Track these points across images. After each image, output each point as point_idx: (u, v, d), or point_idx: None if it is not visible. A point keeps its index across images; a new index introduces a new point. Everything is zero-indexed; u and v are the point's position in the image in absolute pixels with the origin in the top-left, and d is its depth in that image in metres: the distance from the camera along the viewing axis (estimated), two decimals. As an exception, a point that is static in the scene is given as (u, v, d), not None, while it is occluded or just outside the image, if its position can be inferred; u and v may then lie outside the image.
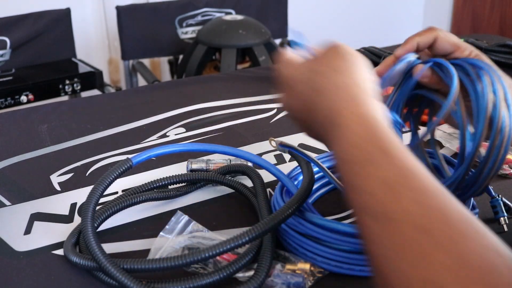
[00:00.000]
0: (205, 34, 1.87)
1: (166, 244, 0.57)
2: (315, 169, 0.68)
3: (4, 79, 1.72)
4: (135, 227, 0.64)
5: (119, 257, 0.55)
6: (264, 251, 0.54)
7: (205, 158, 0.75)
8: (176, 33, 2.02)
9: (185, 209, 0.67)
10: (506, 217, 0.61)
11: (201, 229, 0.60)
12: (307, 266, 0.54)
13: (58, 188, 0.74)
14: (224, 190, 0.71)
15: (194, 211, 0.67)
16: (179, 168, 0.77)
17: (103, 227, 0.63)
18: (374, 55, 1.14)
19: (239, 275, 0.53)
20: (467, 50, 0.58)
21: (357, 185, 0.38)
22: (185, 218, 0.61)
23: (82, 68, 1.84)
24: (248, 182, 0.69)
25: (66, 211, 0.68)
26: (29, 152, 0.84)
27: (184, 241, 0.57)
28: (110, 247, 0.60)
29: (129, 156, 0.61)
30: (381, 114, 0.43)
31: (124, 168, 0.60)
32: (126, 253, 0.59)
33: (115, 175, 0.60)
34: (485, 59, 0.57)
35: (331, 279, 0.54)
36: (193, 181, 0.70)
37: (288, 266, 0.54)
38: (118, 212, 0.64)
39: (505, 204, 0.62)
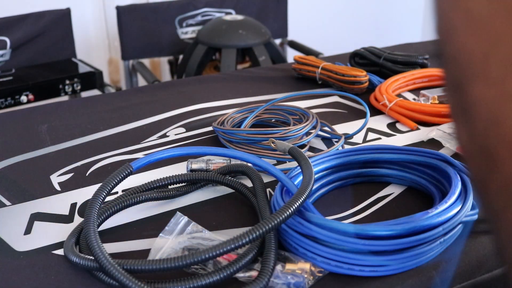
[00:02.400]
0: (205, 34, 1.87)
1: (166, 245, 0.58)
2: (316, 168, 0.68)
3: (4, 79, 1.72)
4: (135, 227, 0.64)
5: (119, 257, 0.55)
6: (267, 252, 0.54)
7: (205, 158, 0.75)
8: (176, 33, 2.02)
9: (185, 209, 0.67)
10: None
11: (200, 230, 0.60)
12: (307, 266, 0.54)
13: (58, 188, 0.74)
14: (224, 190, 0.71)
15: (194, 211, 0.67)
16: (179, 168, 0.77)
17: (103, 226, 0.63)
18: (374, 55, 1.14)
19: (240, 275, 0.53)
20: None
21: None
22: (185, 219, 0.61)
23: (82, 68, 1.84)
24: (249, 182, 0.69)
25: (66, 211, 0.68)
26: (29, 152, 0.84)
27: (184, 242, 0.57)
28: (110, 247, 0.60)
29: (130, 160, 0.61)
30: None
31: (124, 174, 0.60)
32: (126, 253, 0.59)
33: (116, 181, 0.60)
34: None
35: (331, 279, 0.54)
36: (193, 181, 0.70)
37: (288, 266, 0.54)
38: (118, 212, 0.64)
39: (505, 204, 0.62)
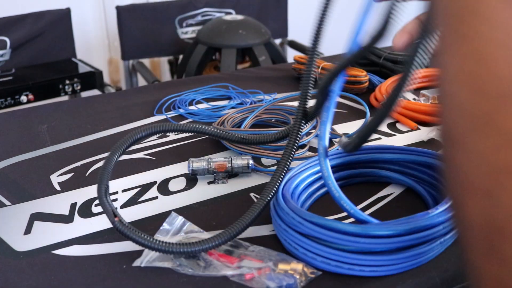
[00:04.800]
0: (205, 34, 1.87)
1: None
2: (316, 168, 0.68)
3: (4, 79, 1.72)
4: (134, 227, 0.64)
5: (114, 257, 0.55)
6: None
7: (206, 157, 0.75)
8: (176, 33, 2.02)
9: (184, 209, 0.67)
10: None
11: (196, 230, 0.60)
12: (299, 267, 0.53)
13: (58, 188, 0.73)
14: (224, 190, 0.71)
15: (193, 211, 0.67)
16: (180, 168, 0.77)
17: (101, 226, 0.63)
18: (374, 55, 1.14)
19: (229, 273, 0.53)
20: None
21: None
22: (180, 218, 0.61)
23: (82, 68, 1.85)
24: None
25: (66, 211, 0.68)
26: (29, 152, 0.84)
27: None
28: (107, 248, 0.60)
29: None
30: None
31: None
32: (124, 253, 0.59)
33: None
34: None
35: (331, 279, 0.54)
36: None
37: (281, 266, 0.53)
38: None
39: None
